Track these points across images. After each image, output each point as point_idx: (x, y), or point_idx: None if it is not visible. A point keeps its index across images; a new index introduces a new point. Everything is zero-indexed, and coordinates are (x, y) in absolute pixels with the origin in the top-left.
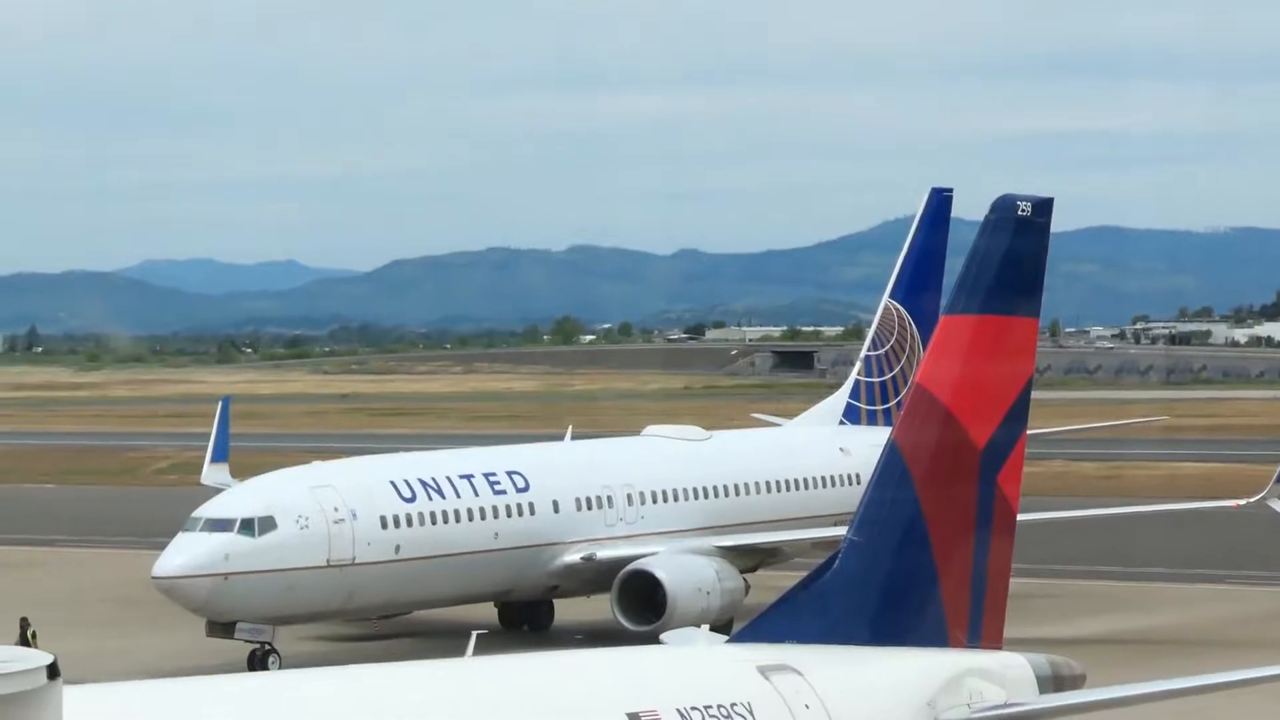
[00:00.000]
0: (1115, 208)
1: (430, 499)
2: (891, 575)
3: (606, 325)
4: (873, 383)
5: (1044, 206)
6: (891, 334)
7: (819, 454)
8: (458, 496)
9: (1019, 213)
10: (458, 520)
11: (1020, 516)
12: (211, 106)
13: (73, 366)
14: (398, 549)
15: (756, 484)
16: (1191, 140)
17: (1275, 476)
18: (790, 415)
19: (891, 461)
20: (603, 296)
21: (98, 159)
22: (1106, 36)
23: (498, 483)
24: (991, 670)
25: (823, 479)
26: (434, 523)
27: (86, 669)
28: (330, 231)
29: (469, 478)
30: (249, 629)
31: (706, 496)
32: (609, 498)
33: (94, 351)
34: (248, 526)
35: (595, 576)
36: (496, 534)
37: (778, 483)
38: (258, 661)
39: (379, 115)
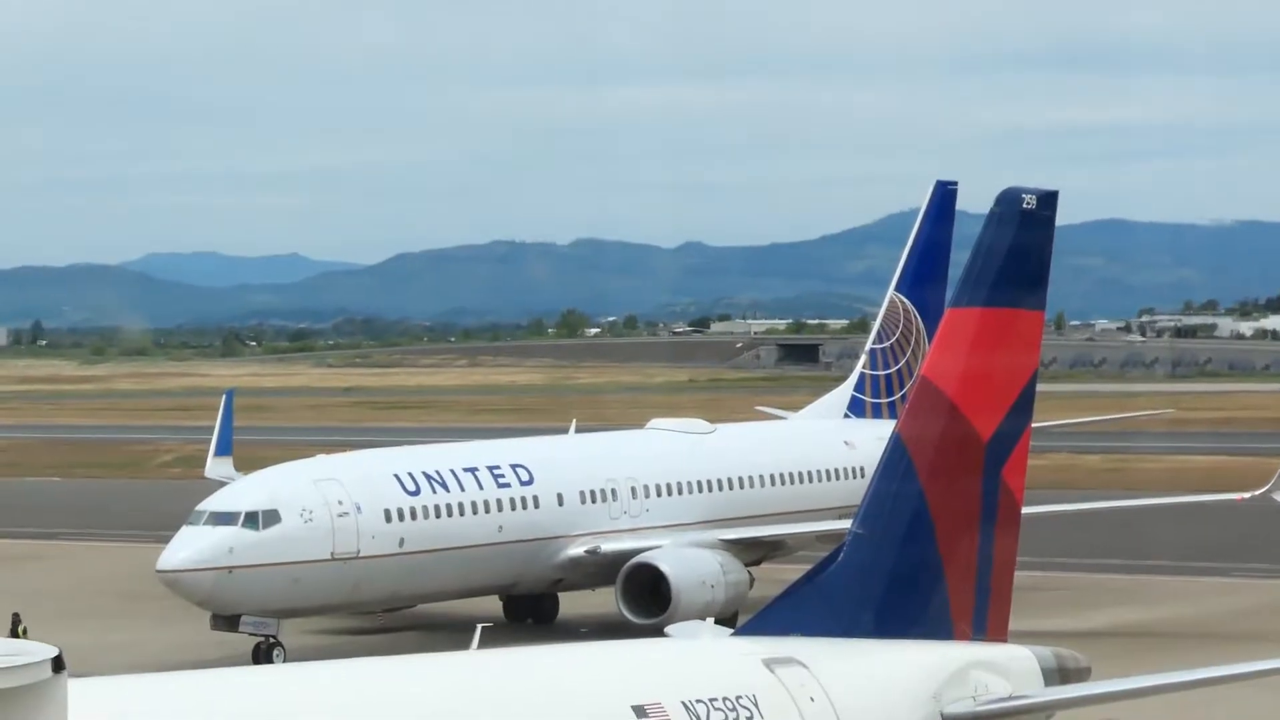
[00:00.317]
0: (1120, 201)
1: (434, 492)
2: (896, 568)
3: (611, 318)
4: (878, 376)
5: (1049, 199)
6: (897, 327)
7: (824, 447)
8: (462, 490)
9: (1024, 206)
10: (462, 513)
11: (1025, 509)
12: (215, 99)
13: (77, 359)
14: (402, 542)
15: (761, 477)
16: (1196, 133)
17: None
18: (795, 408)
19: (896, 454)
20: (607, 290)
21: (101, 152)
22: (1111, 28)
23: (502, 476)
24: (997, 663)
25: (827, 472)
26: (438, 516)
27: (91, 662)
28: (334, 225)
29: (473, 471)
30: (253, 622)
31: (710, 490)
32: (613, 491)
33: (98, 344)
34: (252, 520)
35: (600, 570)
36: (501, 527)
37: (782, 476)
38: (262, 655)
39: (383, 108)
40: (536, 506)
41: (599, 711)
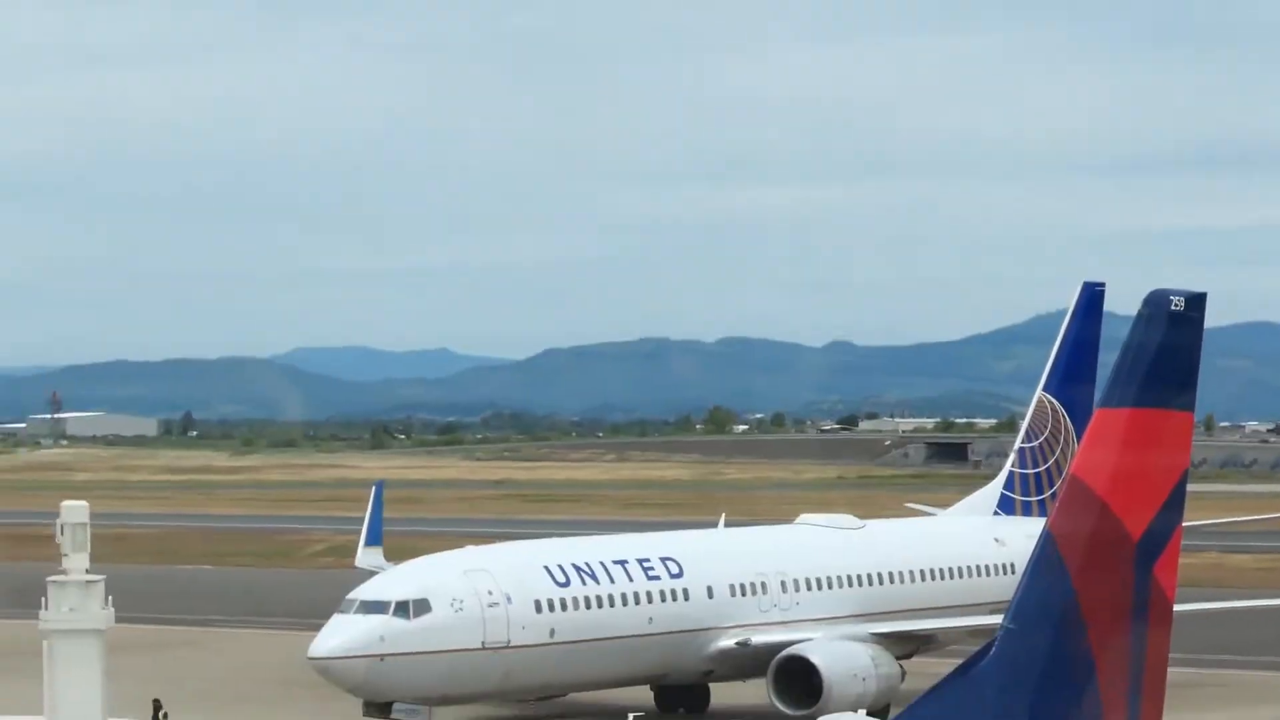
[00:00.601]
0: (1268, 302)
1: (584, 583)
2: (1048, 664)
3: (758, 415)
4: (1027, 474)
5: (1197, 301)
6: (1045, 426)
7: (974, 543)
8: (611, 581)
9: (1172, 307)
10: (612, 605)
11: (1177, 606)
12: (365, 194)
13: (227, 450)
14: (552, 632)
15: (911, 572)
16: None
17: None
18: (944, 505)
19: (1047, 551)
20: (754, 387)
21: (252, 247)
22: (1257, 129)
23: (652, 568)
24: None
25: (978, 568)
26: (588, 607)
27: None
28: (482, 320)
29: (623, 563)
30: (405, 709)
31: (860, 584)
32: (763, 584)
33: (248, 436)
34: (403, 609)
35: (750, 661)
36: (651, 619)
37: (932, 571)
38: None
39: (531, 204)
40: (687, 599)
41: None
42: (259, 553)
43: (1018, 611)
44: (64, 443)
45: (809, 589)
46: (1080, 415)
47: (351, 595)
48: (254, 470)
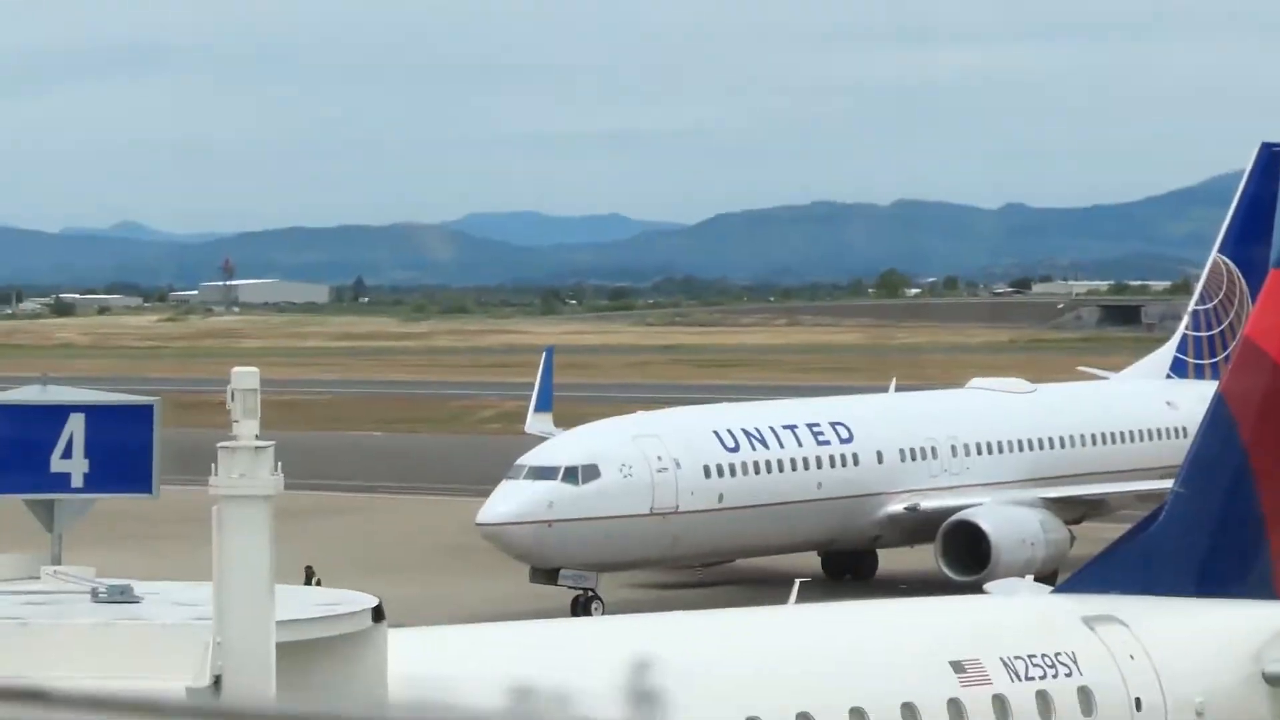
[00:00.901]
0: None
1: (754, 449)
2: (1218, 527)
3: (931, 279)
4: (1200, 337)
5: None
6: (1220, 288)
7: (1145, 407)
8: (781, 446)
9: None
10: (781, 470)
11: None
12: (538, 59)
13: (398, 317)
14: (721, 498)
15: (1081, 436)
16: None
17: None
18: (1117, 369)
19: (1219, 414)
20: (927, 250)
21: (425, 113)
22: None
23: (821, 433)
24: None
25: (1150, 432)
26: (757, 472)
27: (411, 614)
28: (654, 185)
29: (792, 428)
30: (572, 575)
31: (1031, 449)
32: (933, 449)
33: (419, 302)
34: (572, 474)
35: (918, 527)
36: (820, 484)
37: (1103, 435)
38: (581, 608)
39: (706, 68)
40: (856, 464)
41: (918, 667)
42: (429, 419)
43: (1189, 474)
44: (236, 310)
45: (979, 454)
46: (1256, 277)
47: (520, 461)
48: (424, 336)
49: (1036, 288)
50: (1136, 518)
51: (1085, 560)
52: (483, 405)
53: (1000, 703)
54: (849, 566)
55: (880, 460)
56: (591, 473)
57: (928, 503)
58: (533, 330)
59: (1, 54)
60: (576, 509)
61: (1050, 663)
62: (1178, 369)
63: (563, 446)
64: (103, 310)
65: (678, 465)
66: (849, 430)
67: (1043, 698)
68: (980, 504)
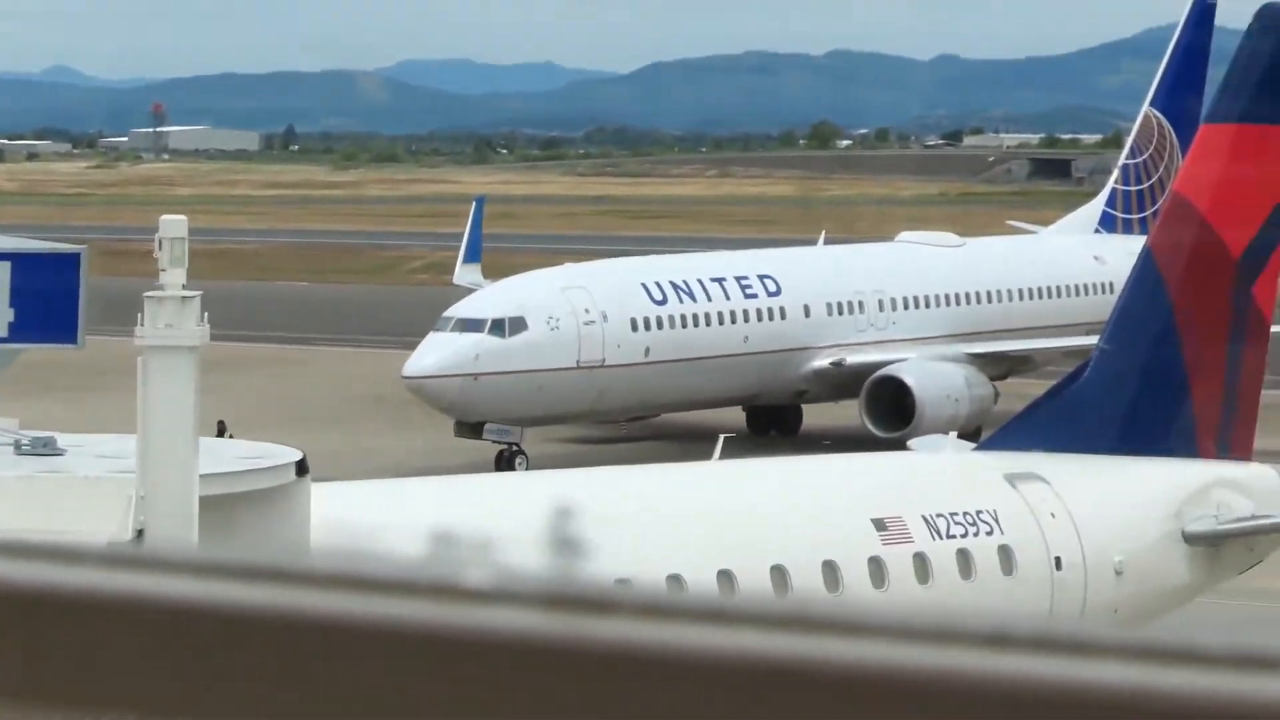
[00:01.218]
0: None
1: (681, 301)
2: (1142, 384)
3: (863, 131)
4: (1130, 190)
5: None
6: (1150, 142)
7: (1073, 262)
8: (708, 299)
9: None
10: (708, 323)
11: (1275, 327)
12: None
13: (328, 165)
14: (647, 351)
15: (1009, 291)
16: None
17: None
18: (1046, 223)
19: (1146, 269)
20: (860, 102)
21: None
22: None
23: (749, 286)
24: (1240, 481)
25: (1077, 287)
26: (684, 325)
27: (335, 467)
28: (588, 33)
29: (720, 281)
30: (497, 429)
31: (958, 303)
32: (860, 303)
33: (349, 150)
34: (498, 327)
35: (844, 382)
36: (746, 337)
37: (1031, 290)
38: (505, 462)
39: None
40: (783, 317)
41: (840, 524)
42: (357, 269)
43: (1114, 330)
44: (166, 157)
45: (905, 308)
46: (1187, 131)
47: (447, 313)
48: (355, 185)
49: (967, 140)
50: (1062, 374)
51: (1010, 417)
52: (412, 255)
53: (921, 560)
54: (774, 422)
55: (807, 314)
56: (518, 325)
57: (853, 358)
58: (463, 180)
59: None
60: (503, 362)
61: (971, 520)
62: (1107, 224)
63: (490, 298)
64: (31, 156)
65: (605, 318)
66: (776, 284)
67: (963, 556)
68: (906, 359)
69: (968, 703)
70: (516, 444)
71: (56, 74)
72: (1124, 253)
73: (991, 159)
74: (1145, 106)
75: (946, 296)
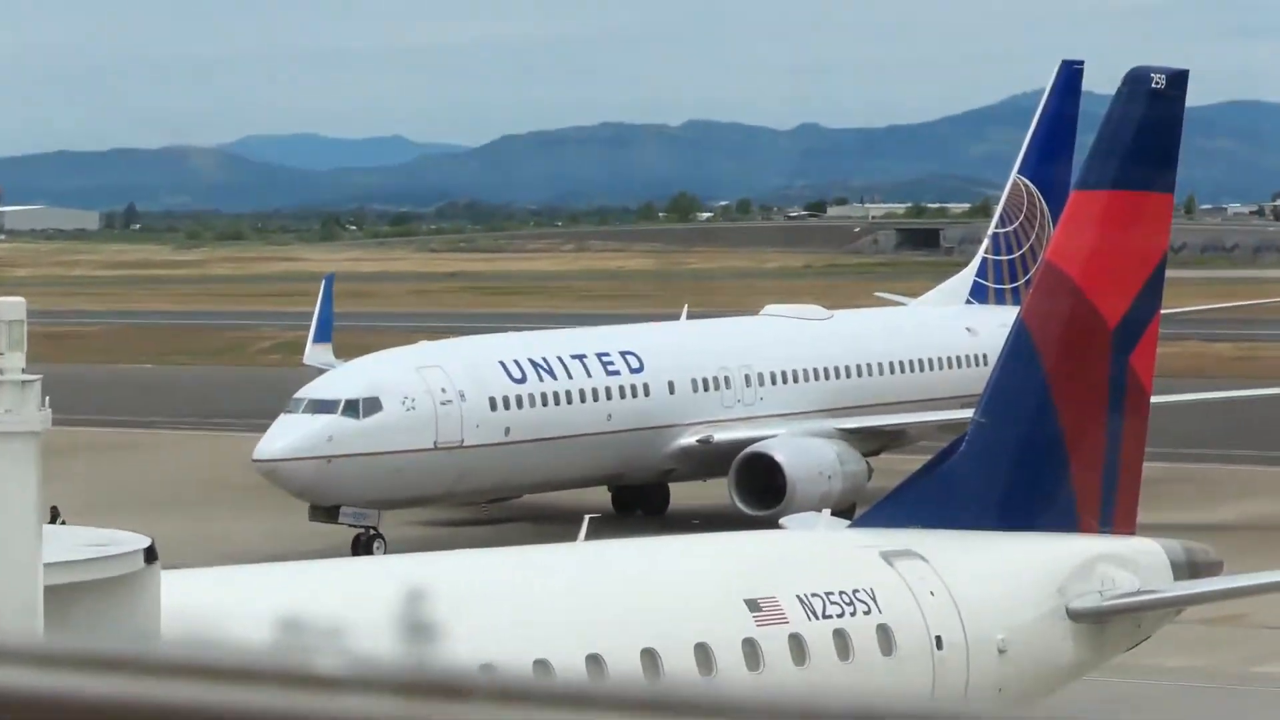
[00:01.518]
0: (1253, 81)
1: (541, 379)
2: (1020, 458)
3: (724, 203)
4: (1000, 260)
5: (1178, 79)
6: (1020, 210)
7: (945, 334)
8: (569, 377)
9: (1152, 85)
10: (570, 401)
11: (1154, 398)
12: None
13: (172, 244)
14: (508, 431)
15: (880, 364)
16: None
17: None
18: (915, 295)
19: (1020, 341)
20: (720, 173)
21: (196, 32)
22: None
23: (611, 363)
24: (1124, 556)
25: (949, 359)
26: (545, 404)
27: (185, 553)
28: (438, 106)
29: (581, 358)
30: (353, 513)
31: (827, 377)
32: (726, 378)
33: (193, 229)
34: (352, 408)
35: (712, 459)
36: (610, 415)
37: (902, 363)
38: (362, 547)
39: None
40: (647, 394)
41: (711, 606)
42: (204, 350)
43: (989, 404)
44: (1, 237)
45: (774, 383)
46: (1057, 198)
47: (299, 394)
48: (199, 264)
49: (831, 211)
50: (936, 449)
51: (884, 493)
52: (260, 336)
53: (797, 642)
54: (640, 501)
55: (672, 390)
56: (373, 405)
57: (721, 434)
58: (312, 257)
59: None
60: (357, 443)
61: (848, 600)
62: (978, 294)
63: (343, 378)
64: None
65: (462, 397)
66: (639, 360)
67: (840, 636)
68: (775, 435)
69: None
70: (374, 528)
71: None
72: (996, 324)
73: (857, 229)
74: (1014, 174)
75: (816, 370)
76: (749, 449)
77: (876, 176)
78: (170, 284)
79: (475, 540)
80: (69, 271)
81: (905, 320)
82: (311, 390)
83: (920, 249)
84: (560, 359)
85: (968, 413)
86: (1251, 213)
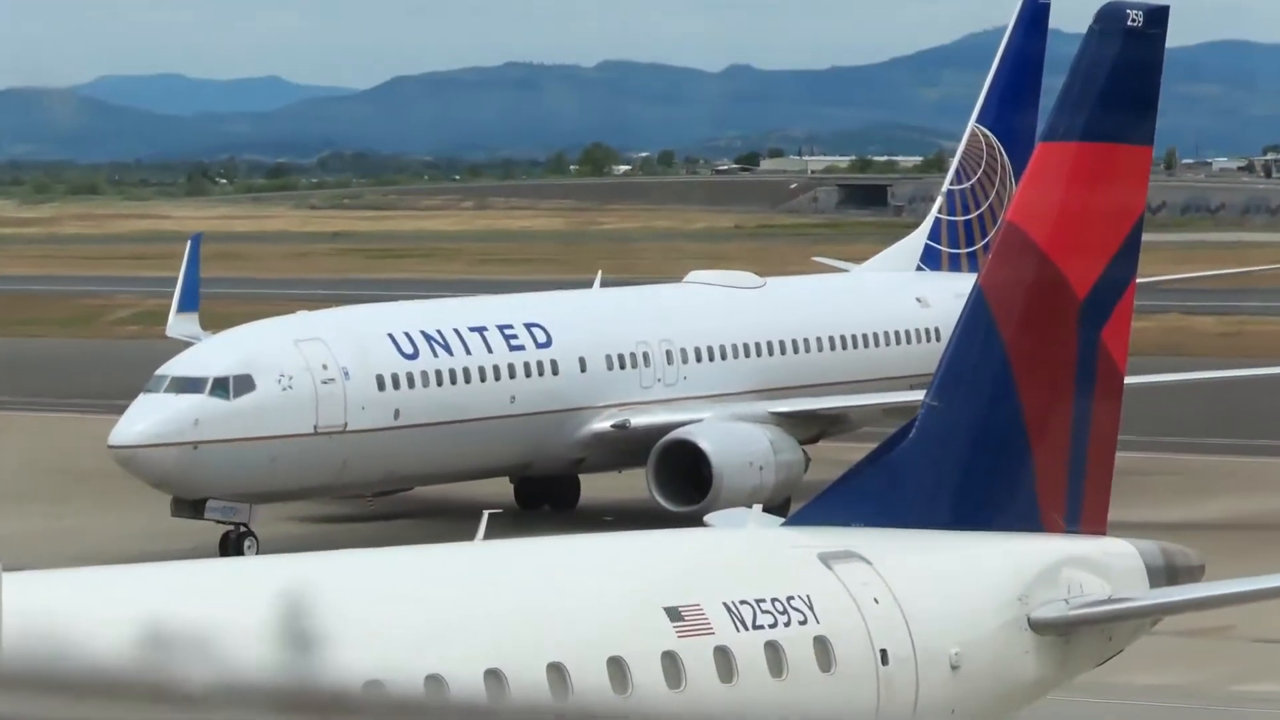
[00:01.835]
0: (1239, 18)
1: (435, 355)
2: (976, 447)
3: (644, 154)
4: (956, 221)
5: (1158, 15)
6: (979, 164)
7: (892, 305)
8: (468, 353)
9: (1129, 23)
10: (467, 380)
11: (1128, 379)
12: None
13: (17, 198)
14: (397, 414)
15: (818, 340)
16: None
17: None
18: (859, 259)
19: (977, 314)
20: (640, 121)
21: None
22: None
23: (515, 337)
24: (1093, 559)
25: (896, 334)
26: (440, 383)
27: (31, 553)
28: (320, 44)
29: (481, 331)
30: (221, 508)
31: (759, 354)
32: (645, 355)
33: (42, 181)
34: (221, 387)
35: (628, 447)
36: (513, 397)
37: (843, 338)
38: (232, 546)
39: None
40: (555, 373)
41: (627, 615)
42: (53, 320)
43: (942, 384)
44: None
45: (698, 360)
46: (1021, 151)
47: (161, 371)
48: (49, 222)
49: (765, 164)
50: (883, 435)
51: (823, 486)
52: (117, 304)
53: (723, 655)
54: (547, 495)
55: (583, 369)
56: (245, 384)
57: (639, 418)
58: (176, 214)
59: None
60: (227, 427)
61: (782, 608)
62: (930, 259)
63: (211, 353)
64: None
65: (346, 375)
66: (546, 333)
67: (773, 649)
68: (700, 420)
69: None
70: (245, 524)
71: None
72: (951, 293)
73: (794, 185)
74: (971, 123)
75: (746, 346)
76: (670, 435)
77: (816, 125)
78: (14, 244)
79: (360, 539)
80: None
81: (848, 289)
82: (175, 366)
83: (865, 208)
84: (457, 332)
85: (918, 395)
86: (1239, 168)
